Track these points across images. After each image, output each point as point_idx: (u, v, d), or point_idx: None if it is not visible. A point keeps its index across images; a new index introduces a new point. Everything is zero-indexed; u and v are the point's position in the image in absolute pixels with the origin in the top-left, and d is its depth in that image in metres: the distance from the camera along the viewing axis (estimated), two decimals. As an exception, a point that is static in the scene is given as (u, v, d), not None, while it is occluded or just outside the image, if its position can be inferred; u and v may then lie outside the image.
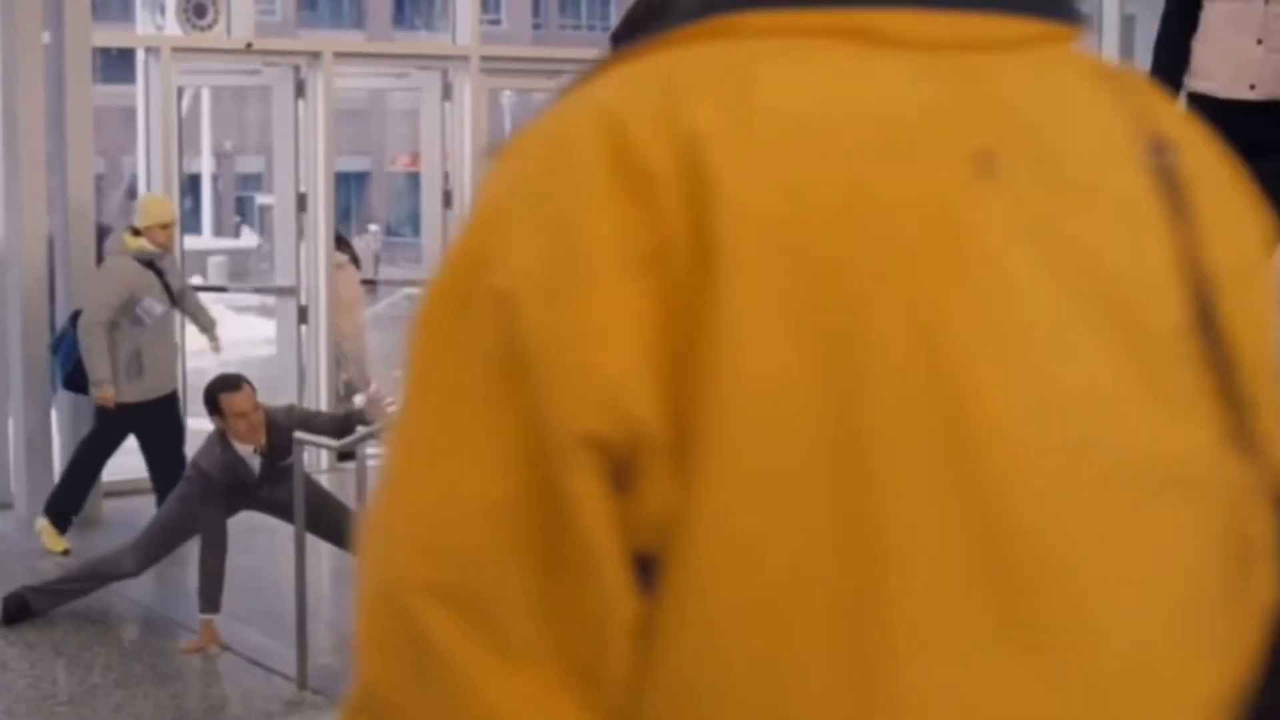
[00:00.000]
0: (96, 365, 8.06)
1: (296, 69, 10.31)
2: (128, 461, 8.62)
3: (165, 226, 8.38)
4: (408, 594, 1.00)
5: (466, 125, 10.83)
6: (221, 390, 6.81)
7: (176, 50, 9.86)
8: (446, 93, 10.88)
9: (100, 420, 8.28)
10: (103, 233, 8.98)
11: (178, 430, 8.47)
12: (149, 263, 8.32)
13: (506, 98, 18.20)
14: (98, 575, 7.21)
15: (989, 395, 0.99)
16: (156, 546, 7.05)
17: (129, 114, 10.64)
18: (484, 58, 10.83)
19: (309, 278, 10.38)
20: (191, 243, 20.10)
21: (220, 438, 6.80)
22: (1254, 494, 1.09)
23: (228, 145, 17.64)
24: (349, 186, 18.59)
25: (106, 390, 8.08)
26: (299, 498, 6.38)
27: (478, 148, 10.76)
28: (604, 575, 0.98)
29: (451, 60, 10.92)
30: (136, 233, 8.36)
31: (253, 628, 6.96)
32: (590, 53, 8.86)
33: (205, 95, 17.82)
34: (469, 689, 0.98)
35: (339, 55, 10.47)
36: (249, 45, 10.08)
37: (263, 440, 6.75)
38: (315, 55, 10.32)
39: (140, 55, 10.02)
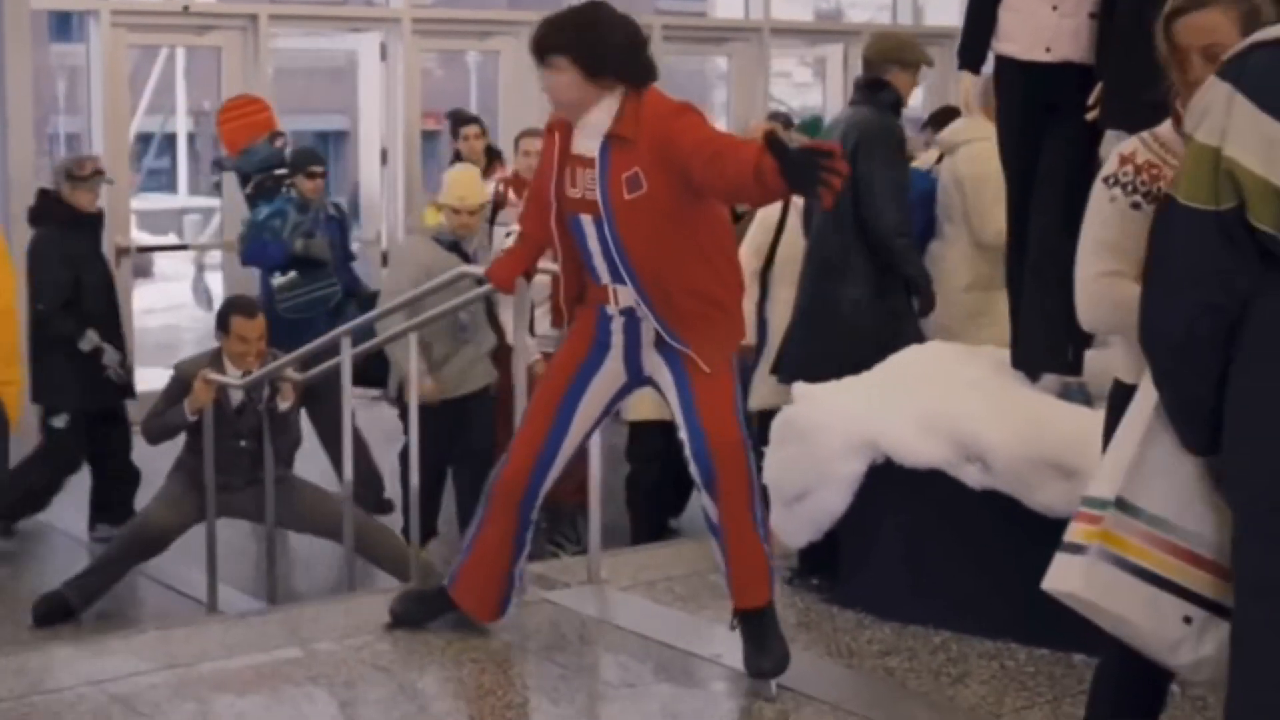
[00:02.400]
0: (401, 359, 6.93)
1: (244, 30, 10.73)
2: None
3: (469, 212, 7.46)
4: None
5: (400, 86, 11.25)
6: (236, 312, 6.98)
7: (115, 12, 10.24)
8: (382, 53, 11.32)
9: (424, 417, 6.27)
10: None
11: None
12: (453, 245, 7.47)
13: (471, 58, 18.55)
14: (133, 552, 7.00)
15: None
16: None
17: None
18: (416, 20, 11.24)
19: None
20: (166, 201, 20.40)
21: (215, 356, 6.96)
22: None
23: (206, 105, 17.96)
24: (325, 145, 18.85)
25: (426, 385, 7.07)
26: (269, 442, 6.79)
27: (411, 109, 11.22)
28: None
29: (386, 23, 11.33)
30: (440, 208, 7.63)
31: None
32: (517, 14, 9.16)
33: (180, 55, 18.10)
34: None
35: (274, 18, 10.84)
36: (185, 8, 10.47)
37: (252, 368, 6.87)
38: (252, 18, 10.72)
39: (84, 17, 10.42)
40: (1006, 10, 5.21)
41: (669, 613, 5.15)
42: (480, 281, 5.76)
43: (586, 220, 4.43)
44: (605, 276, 4.47)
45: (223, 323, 6.98)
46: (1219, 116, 2.88)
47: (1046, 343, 5.19)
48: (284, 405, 6.85)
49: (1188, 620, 3.14)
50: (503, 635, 4.86)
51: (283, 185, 9.08)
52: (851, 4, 19.61)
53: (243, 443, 6.90)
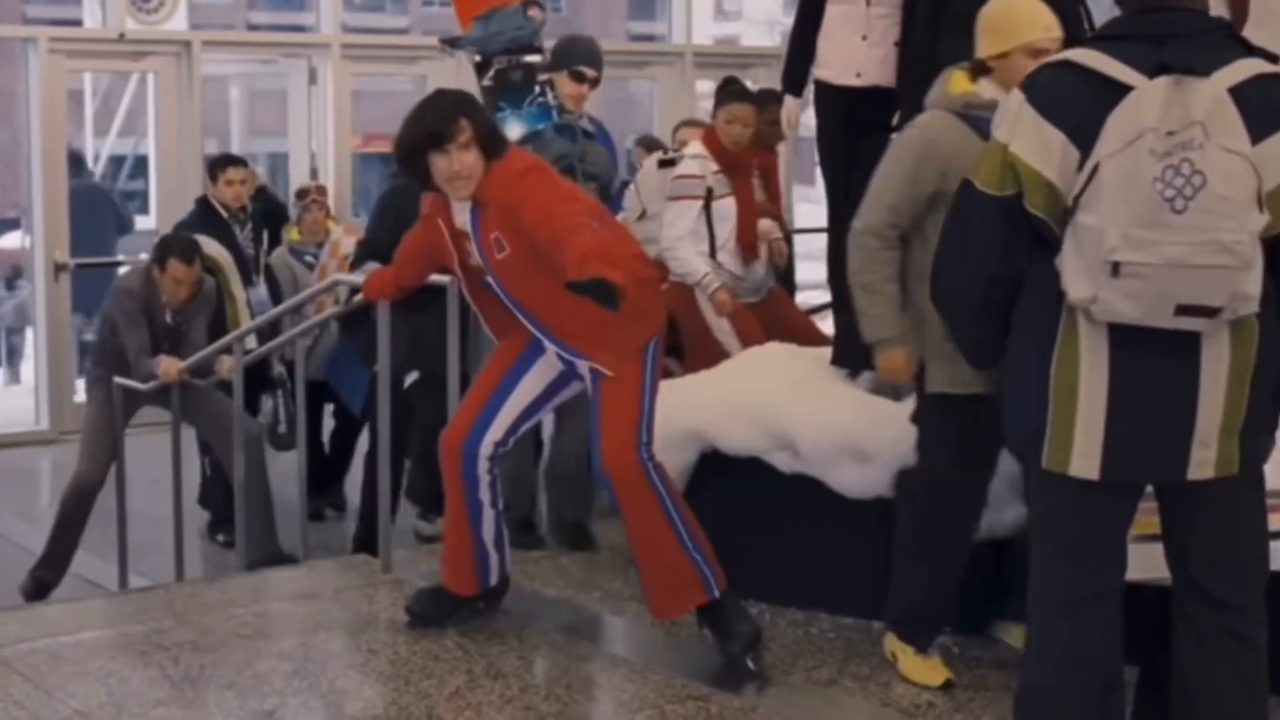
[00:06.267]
0: None
1: (178, 57, 11.20)
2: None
3: None
4: None
5: (330, 109, 11.74)
6: (174, 255, 7.34)
7: (53, 39, 10.72)
8: (312, 77, 11.81)
9: None
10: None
11: None
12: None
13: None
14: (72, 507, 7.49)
15: None
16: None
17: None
18: (345, 45, 11.72)
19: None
20: (139, 223, 20.78)
21: (148, 275, 7.44)
22: None
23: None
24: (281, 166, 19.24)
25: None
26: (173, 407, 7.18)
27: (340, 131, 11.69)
28: None
29: (315, 48, 11.82)
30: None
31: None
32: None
33: (151, 81, 18.54)
34: None
35: (207, 44, 11.33)
36: (121, 35, 10.95)
37: (179, 304, 7.39)
38: (185, 44, 11.20)
39: (23, 44, 10.87)
40: (824, 39, 5.72)
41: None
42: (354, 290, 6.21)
43: (489, 280, 4.88)
44: (517, 315, 4.89)
45: (160, 260, 7.37)
46: (1011, 120, 3.43)
47: (861, 342, 5.67)
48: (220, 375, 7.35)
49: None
50: (358, 608, 5.34)
51: (536, 83, 6.64)
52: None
53: (165, 346, 7.40)
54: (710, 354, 6.48)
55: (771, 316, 6.93)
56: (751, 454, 5.46)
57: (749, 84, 7.89)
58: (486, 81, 6.63)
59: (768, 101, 6.90)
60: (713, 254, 6.80)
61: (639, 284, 4.55)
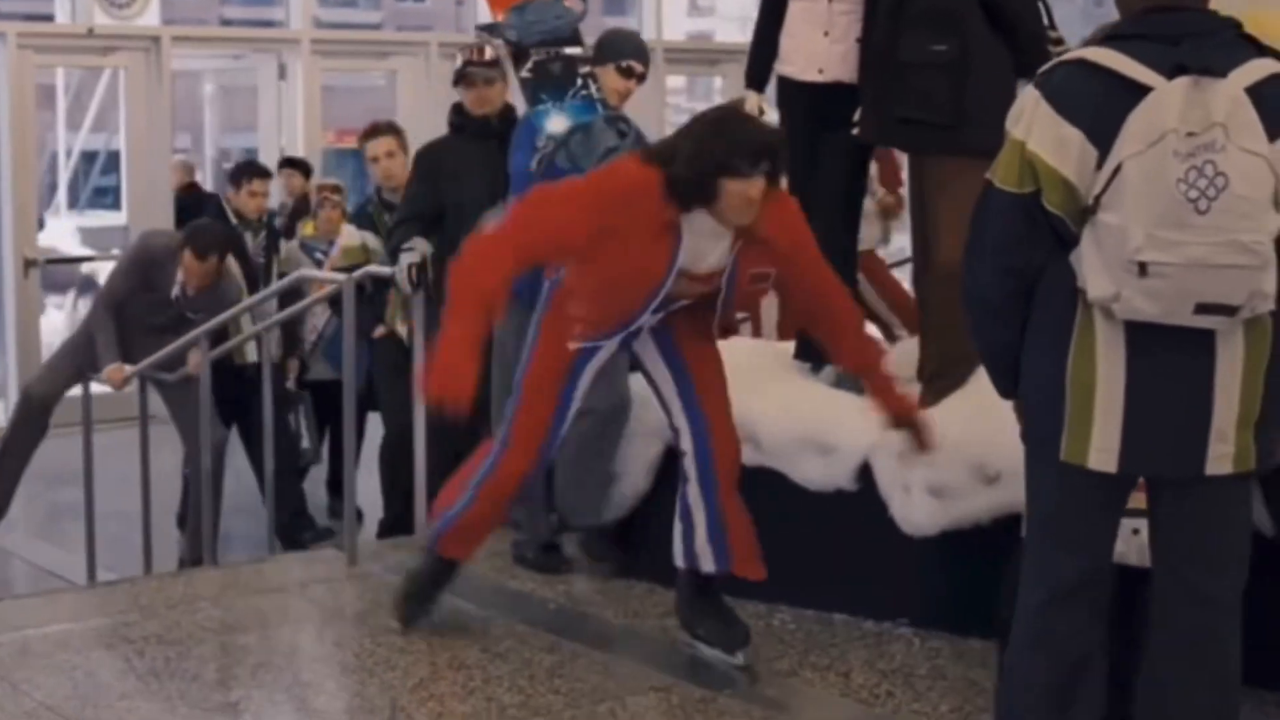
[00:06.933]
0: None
1: (147, 52, 11.21)
2: None
3: None
4: None
5: (300, 104, 11.76)
6: (192, 243, 7.34)
7: (22, 35, 10.73)
8: (281, 73, 11.84)
9: None
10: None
11: None
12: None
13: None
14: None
15: None
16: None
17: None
18: (315, 40, 11.75)
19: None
20: (111, 219, 20.71)
21: (171, 246, 7.48)
22: None
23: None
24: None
25: None
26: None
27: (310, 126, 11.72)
28: None
29: (285, 43, 11.84)
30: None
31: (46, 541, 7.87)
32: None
33: (122, 76, 18.53)
34: None
35: (176, 39, 11.35)
36: (90, 30, 10.96)
37: (191, 289, 7.40)
38: (154, 39, 11.21)
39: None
40: (787, 36, 5.76)
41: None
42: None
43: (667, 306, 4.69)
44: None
45: (183, 242, 7.42)
46: (1028, 118, 3.46)
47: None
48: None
49: (1135, 532, 3.88)
50: (323, 602, 5.38)
51: (578, 75, 6.08)
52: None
53: (157, 320, 7.41)
54: None
55: None
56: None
57: (717, 80, 7.94)
58: (524, 73, 6.22)
59: None
60: None
61: None
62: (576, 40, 6.13)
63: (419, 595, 5.10)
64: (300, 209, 9.64)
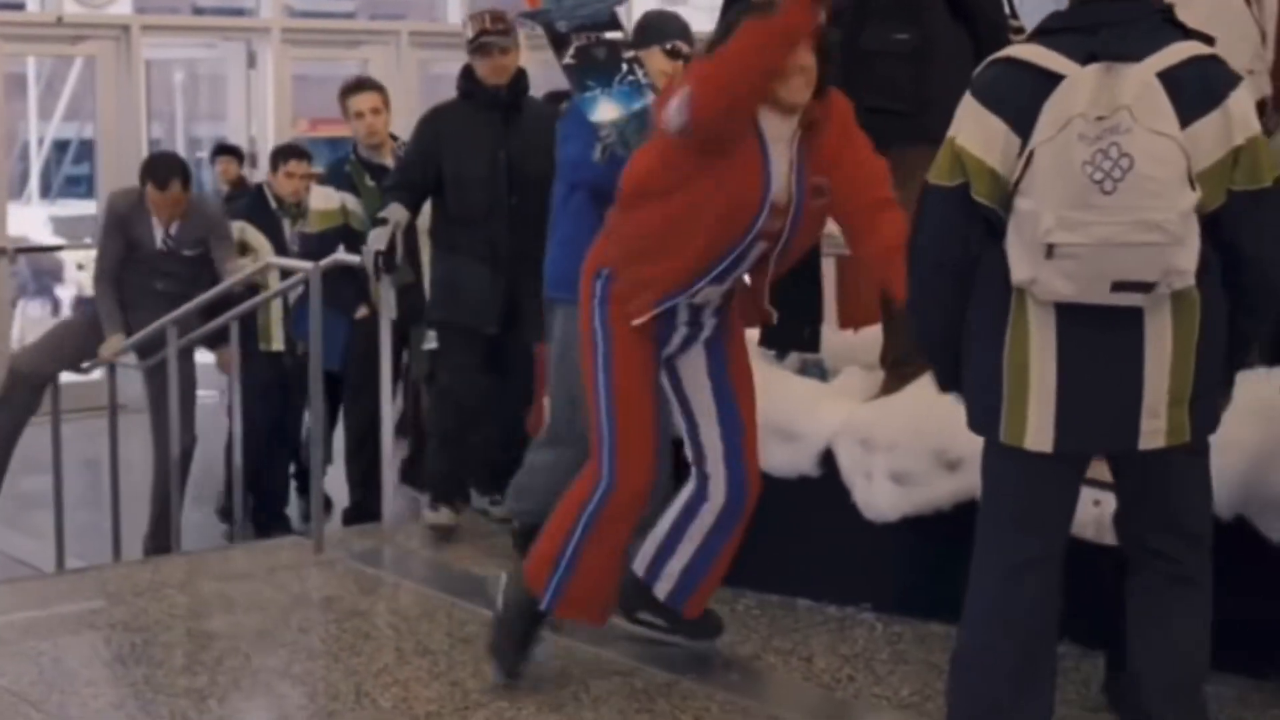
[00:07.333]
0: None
1: (117, 40, 11.20)
2: None
3: None
4: None
5: (270, 93, 11.76)
6: (149, 178, 7.29)
7: (-5, 24, 10.73)
8: (250, 61, 11.83)
9: None
10: None
11: None
12: None
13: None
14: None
15: None
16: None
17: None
18: (285, 29, 11.75)
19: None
20: (84, 208, 20.66)
21: (136, 196, 7.41)
22: None
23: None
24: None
25: None
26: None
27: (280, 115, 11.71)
28: None
29: (255, 32, 11.83)
30: None
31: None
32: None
33: (93, 65, 18.47)
34: None
35: (146, 28, 11.34)
36: (59, 19, 10.94)
37: (172, 223, 7.35)
38: (124, 28, 11.20)
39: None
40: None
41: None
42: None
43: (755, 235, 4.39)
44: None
45: (141, 181, 7.40)
46: (959, 114, 3.57)
47: (787, 324, 5.76)
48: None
49: (1096, 504, 4.01)
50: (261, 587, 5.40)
51: (622, 59, 5.83)
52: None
53: (159, 284, 7.32)
54: None
55: None
56: (677, 435, 5.52)
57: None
58: (568, 60, 5.82)
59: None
60: None
61: None
62: (616, 24, 5.87)
63: (518, 638, 4.57)
64: (235, 196, 9.36)
